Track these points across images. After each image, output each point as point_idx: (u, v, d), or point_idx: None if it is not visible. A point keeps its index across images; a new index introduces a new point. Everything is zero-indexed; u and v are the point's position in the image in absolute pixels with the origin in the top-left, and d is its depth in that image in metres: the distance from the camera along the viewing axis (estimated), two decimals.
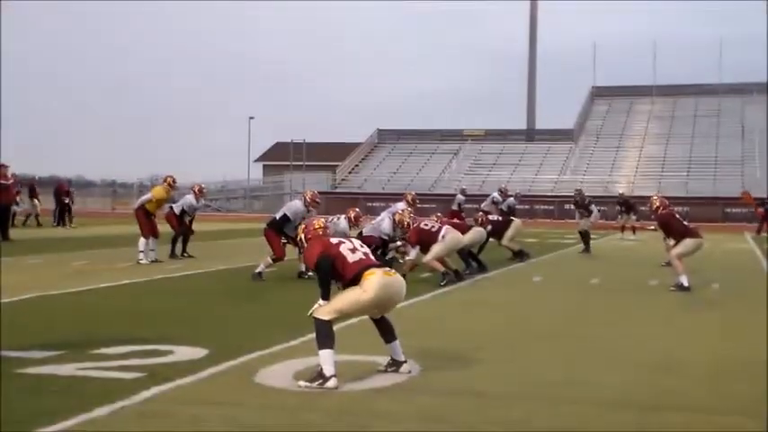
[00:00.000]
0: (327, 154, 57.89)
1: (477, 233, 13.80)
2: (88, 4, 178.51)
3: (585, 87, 62.12)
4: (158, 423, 4.46)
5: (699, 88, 58.64)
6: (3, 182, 19.93)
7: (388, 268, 5.76)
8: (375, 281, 5.47)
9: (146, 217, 14.45)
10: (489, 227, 15.31)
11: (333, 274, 5.57)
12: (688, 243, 11.59)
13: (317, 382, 5.25)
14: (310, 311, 5.53)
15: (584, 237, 18.83)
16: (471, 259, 13.48)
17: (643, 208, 20.08)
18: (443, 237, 11.90)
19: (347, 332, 6.58)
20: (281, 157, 60.83)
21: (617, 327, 8.33)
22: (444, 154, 55.10)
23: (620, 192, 28.37)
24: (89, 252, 16.44)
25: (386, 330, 5.74)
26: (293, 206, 12.42)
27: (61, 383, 5.30)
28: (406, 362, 5.76)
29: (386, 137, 59.01)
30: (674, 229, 11.79)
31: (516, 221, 16.63)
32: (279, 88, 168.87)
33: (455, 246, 12.24)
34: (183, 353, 6.30)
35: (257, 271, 11.89)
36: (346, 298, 5.52)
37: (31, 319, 8.00)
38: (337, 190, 50.32)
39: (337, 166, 54.87)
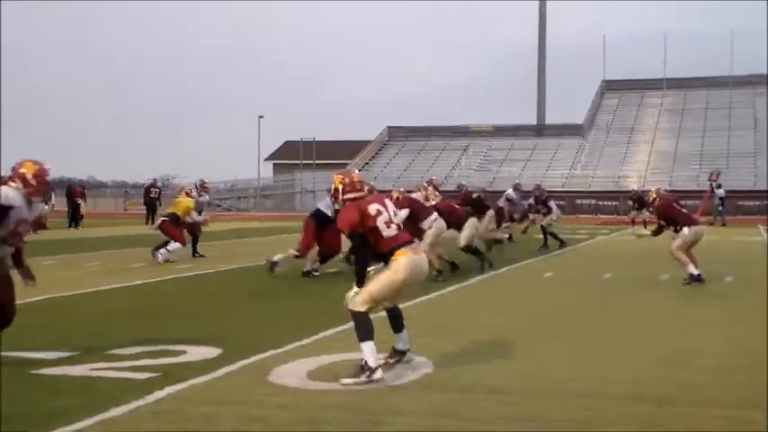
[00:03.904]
0: (337, 152, 57.92)
1: (471, 227, 13.67)
2: (96, 3, 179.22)
3: (595, 81, 62.03)
4: (172, 422, 4.49)
5: (710, 81, 58.39)
6: None
7: (415, 245, 5.80)
8: (404, 261, 5.49)
9: (175, 226, 14.63)
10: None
11: (365, 246, 5.60)
12: (685, 234, 11.38)
13: (363, 376, 5.21)
14: (346, 302, 5.55)
15: (549, 232, 18.65)
16: (477, 257, 13.42)
17: None
18: (431, 226, 11.76)
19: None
20: (290, 155, 60.93)
21: (629, 321, 8.31)
22: (454, 150, 55.03)
23: (634, 188, 28.40)
24: (102, 253, 16.53)
25: (397, 319, 5.76)
26: (324, 201, 12.49)
27: (76, 384, 5.33)
28: (408, 349, 5.78)
29: (396, 134, 58.99)
30: (675, 218, 11.57)
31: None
32: (289, 87, 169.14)
33: (440, 232, 12.14)
34: (197, 352, 6.32)
35: (274, 260, 11.97)
36: (379, 282, 5.51)
37: (44, 320, 8.06)
38: None
39: (347, 164, 54.88)
